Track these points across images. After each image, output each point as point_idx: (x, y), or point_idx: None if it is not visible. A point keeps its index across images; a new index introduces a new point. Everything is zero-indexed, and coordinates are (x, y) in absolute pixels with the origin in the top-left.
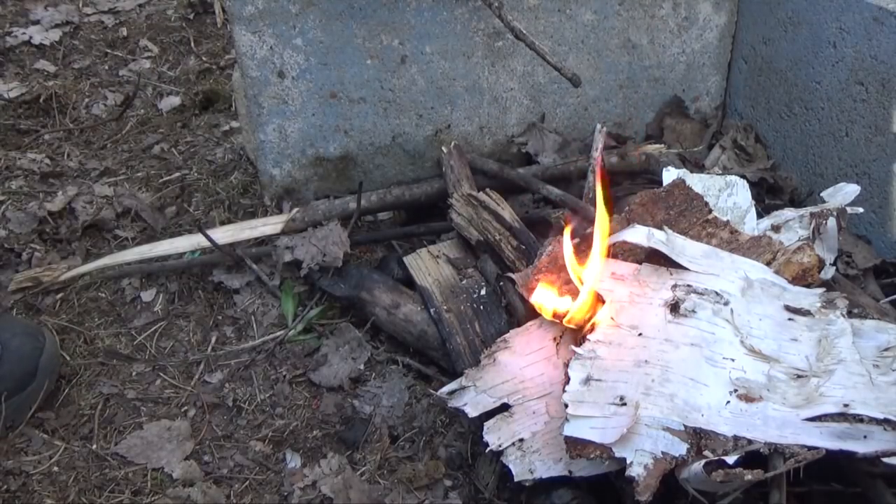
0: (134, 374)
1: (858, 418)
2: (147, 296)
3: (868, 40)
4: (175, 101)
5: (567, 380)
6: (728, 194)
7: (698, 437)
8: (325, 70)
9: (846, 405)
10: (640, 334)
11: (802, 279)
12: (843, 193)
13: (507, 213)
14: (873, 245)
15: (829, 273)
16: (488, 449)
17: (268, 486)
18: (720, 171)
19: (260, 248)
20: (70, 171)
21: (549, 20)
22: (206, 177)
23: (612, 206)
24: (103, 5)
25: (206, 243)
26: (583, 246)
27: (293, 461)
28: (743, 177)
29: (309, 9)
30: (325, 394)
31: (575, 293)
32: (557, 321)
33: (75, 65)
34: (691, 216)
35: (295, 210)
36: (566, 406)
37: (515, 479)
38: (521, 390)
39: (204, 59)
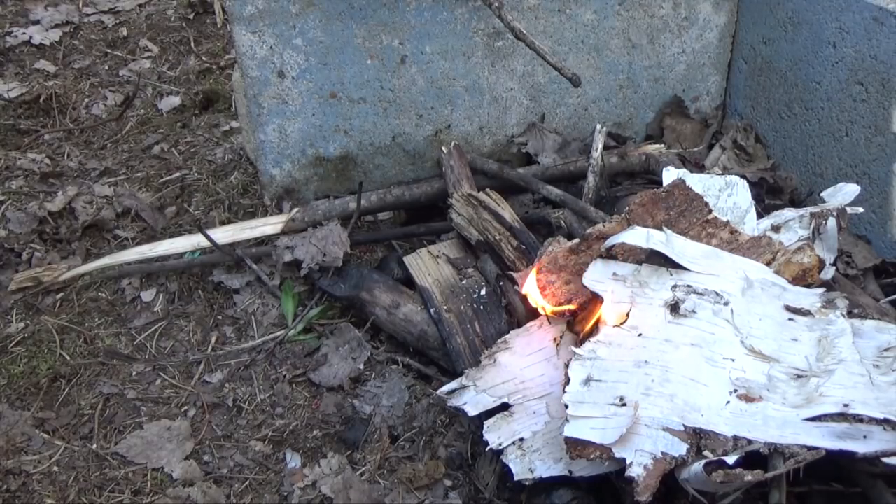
0: (134, 374)
1: (858, 418)
2: (147, 296)
3: (868, 40)
4: (175, 101)
5: (567, 380)
6: (728, 194)
7: (698, 438)
8: (325, 70)
9: (846, 405)
10: (640, 335)
11: (802, 279)
12: (843, 193)
13: (507, 213)
14: (873, 245)
15: (829, 273)
16: (488, 448)
17: (268, 486)
18: (720, 171)
19: (260, 248)
20: (70, 171)
21: (549, 20)
22: (206, 177)
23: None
24: (103, 5)
25: (206, 243)
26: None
27: (293, 461)
28: (743, 177)
29: (309, 9)
30: (325, 394)
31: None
32: (557, 316)
33: (75, 65)
34: (691, 216)
35: (295, 210)
36: (566, 406)
37: (515, 479)
38: (521, 390)
39: (204, 59)
